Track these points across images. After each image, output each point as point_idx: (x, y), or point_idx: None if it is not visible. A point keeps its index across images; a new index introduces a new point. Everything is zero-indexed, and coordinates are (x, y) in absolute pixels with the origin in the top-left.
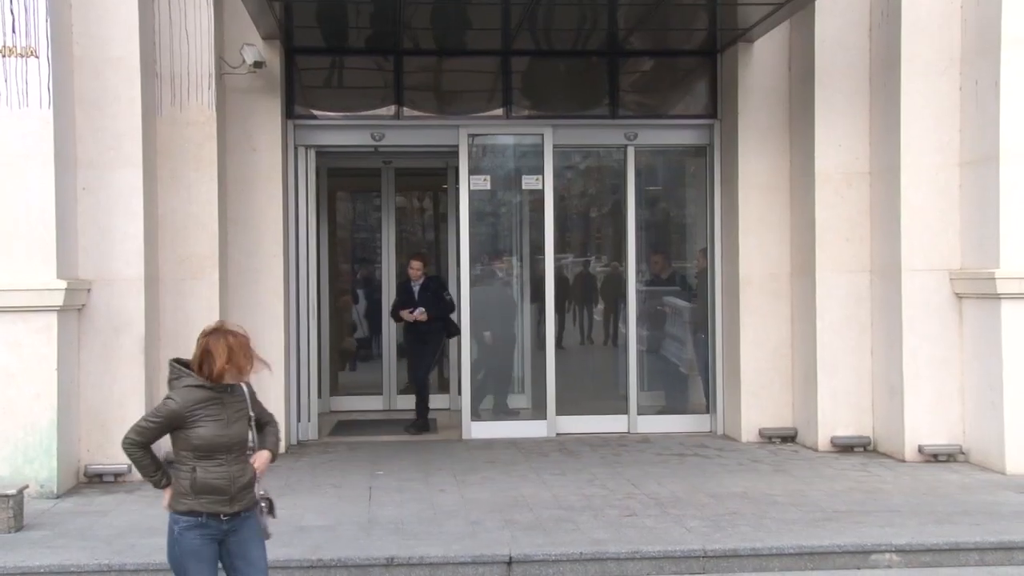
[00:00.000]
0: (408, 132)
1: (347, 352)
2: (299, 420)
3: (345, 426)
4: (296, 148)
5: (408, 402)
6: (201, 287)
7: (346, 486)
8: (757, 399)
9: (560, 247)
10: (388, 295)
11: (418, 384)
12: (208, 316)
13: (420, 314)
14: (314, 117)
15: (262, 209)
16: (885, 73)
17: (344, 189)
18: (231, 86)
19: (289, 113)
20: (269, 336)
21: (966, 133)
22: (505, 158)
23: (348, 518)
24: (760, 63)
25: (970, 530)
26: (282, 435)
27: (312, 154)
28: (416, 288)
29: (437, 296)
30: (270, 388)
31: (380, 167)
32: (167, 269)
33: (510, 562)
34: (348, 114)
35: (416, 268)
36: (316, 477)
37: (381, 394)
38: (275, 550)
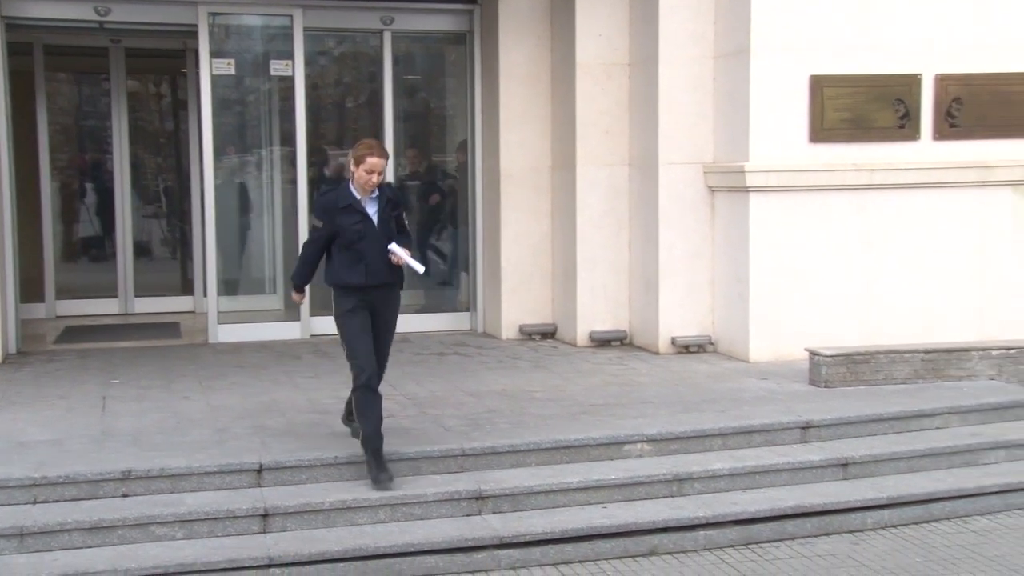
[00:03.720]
0: (138, 8)
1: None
2: (17, 327)
3: (74, 332)
4: (4, 20)
5: (153, 304)
6: None
7: (75, 396)
8: (517, 295)
9: (313, 138)
10: (121, 189)
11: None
12: None
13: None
14: None
15: None
16: None
17: (66, 70)
18: None
19: None
20: None
21: (720, 25)
22: (252, 41)
23: (78, 431)
24: None
25: (715, 417)
26: None
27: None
28: (374, 204)
29: (399, 218)
30: None
31: (108, 46)
32: None
33: (260, 469)
34: None
35: (379, 164)
36: (40, 388)
37: (116, 297)
38: None
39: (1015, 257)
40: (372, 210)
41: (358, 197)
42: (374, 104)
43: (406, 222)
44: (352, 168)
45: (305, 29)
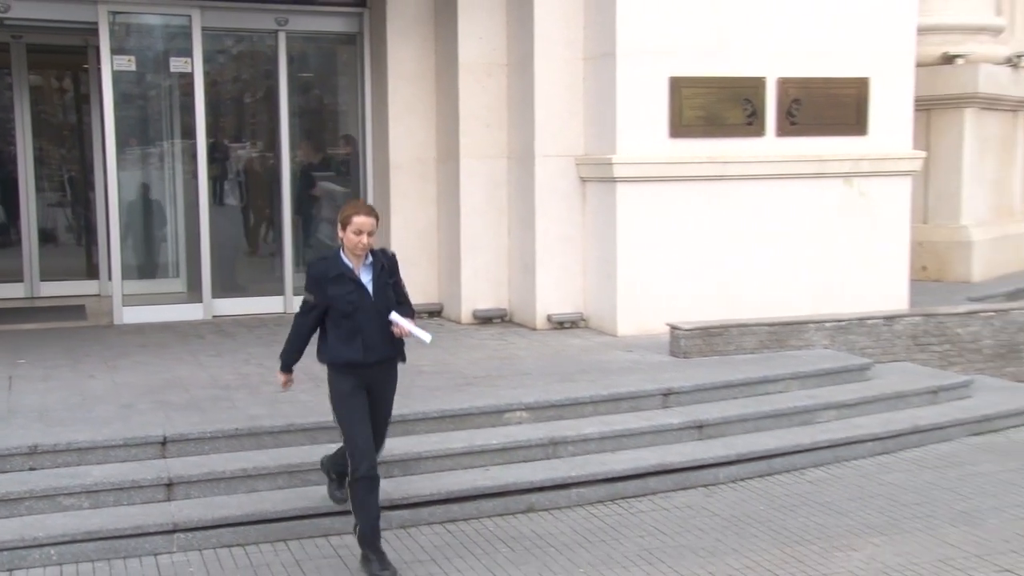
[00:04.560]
0: (39, 5)
1: None
2: None
3: None
4: None
5: (59, 288)
6: None
7: None
8: (406, 277)
9: (213, 132)
10: (26, 178)
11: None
12: None
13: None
14: None
15: None
16: None
17: None
18: None
19: None
20: None
21: (589, 31)
22: (152, 39)
23: None
24: None
25: (587, 386)
26: None
27: None
28: (369, 272)
29: (397, 285)
30: None
31: (9, 42)
32: None
33: (164, 442)
34: None
35: (367, 223)
36: None
37: (22, 281)
38: None
39: (844, 241)
40: (367, 278)
41: (350, 265)
42: (270, 100)
43: (406, 290)
44: (340, 233)
45: (203, 28)
